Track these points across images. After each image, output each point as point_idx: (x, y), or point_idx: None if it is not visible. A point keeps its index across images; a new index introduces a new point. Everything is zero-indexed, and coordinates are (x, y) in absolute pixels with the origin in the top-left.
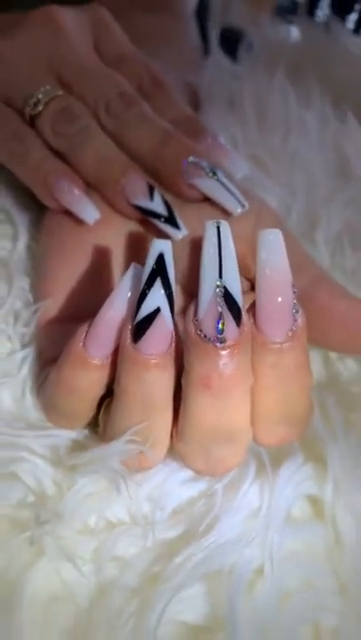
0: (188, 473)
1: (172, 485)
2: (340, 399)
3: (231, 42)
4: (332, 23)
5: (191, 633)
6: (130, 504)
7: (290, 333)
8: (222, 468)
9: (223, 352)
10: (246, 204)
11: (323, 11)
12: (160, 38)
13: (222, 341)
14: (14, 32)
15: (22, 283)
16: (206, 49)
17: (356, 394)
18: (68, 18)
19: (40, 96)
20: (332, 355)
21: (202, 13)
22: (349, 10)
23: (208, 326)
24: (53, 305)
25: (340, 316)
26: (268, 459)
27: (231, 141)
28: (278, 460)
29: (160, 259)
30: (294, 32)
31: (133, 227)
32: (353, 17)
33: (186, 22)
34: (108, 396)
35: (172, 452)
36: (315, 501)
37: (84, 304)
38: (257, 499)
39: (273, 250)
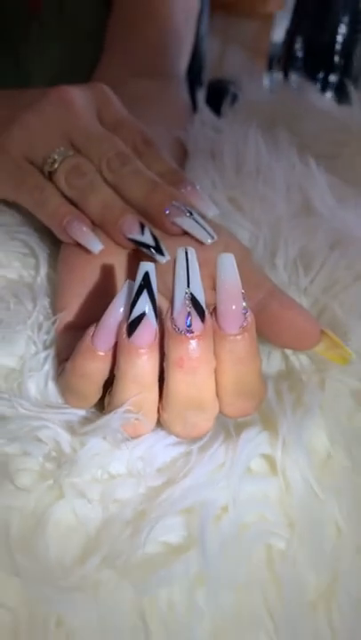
0: (171, 439)
1: (158, 448)
2: (291, 385)
3: (219, 94)
4: (302, 83)
5: (171, 550)
6: (127, 461)
7: (241, 328)
8: (196, 432)
9: (191, 340)
10: (215, 236)
11: (295, 72)
12: (155, 101)
13: (191, 332)
14: (35, 106)
15: (44, 301)
16: (195, 106)
17: (304, 381)
18: (76, 94)
19: (56, 156)
20: (288, 351)
21: (193, 73)
22: (317, 72)
23: (180, 322)
24: (67, 316)
25: (289, 321)
26: (233, 428)
27: (211, 185)
28: (241, 429)
29: (146, 276)
30: (277, 82)
31: (129, 255)
32: (320, 76)
33: (177, 86)
34: (111, 383)
35: (159, 422)
36: (269, 459)
37: (91, 315)
38: (223, 456)
39: (227, 269)
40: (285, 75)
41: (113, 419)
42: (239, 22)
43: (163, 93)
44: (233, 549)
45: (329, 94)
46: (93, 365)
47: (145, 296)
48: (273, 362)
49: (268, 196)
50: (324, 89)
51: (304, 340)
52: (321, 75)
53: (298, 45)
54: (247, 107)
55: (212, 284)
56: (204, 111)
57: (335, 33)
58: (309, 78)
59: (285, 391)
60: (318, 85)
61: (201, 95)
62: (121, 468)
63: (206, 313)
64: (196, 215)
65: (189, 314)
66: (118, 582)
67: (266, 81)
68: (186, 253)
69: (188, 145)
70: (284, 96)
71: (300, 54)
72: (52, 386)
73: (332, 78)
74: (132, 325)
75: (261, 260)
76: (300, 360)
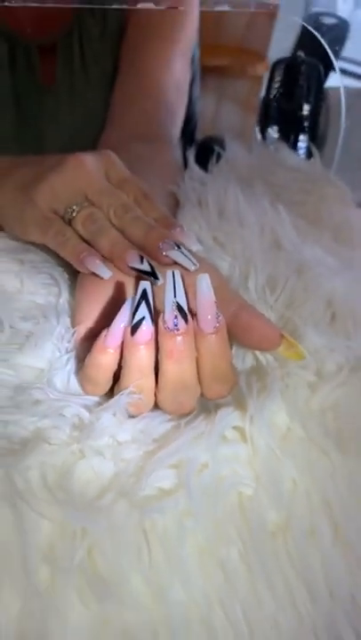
0: (165, 417)
1: (155, 423)
2: (259, 377)
3: (206, 151)
4: (276, 143)
5: (164, 493)
6: (131, 432)
7: (215, 328)
8: (183, 409)
9: (178, 337)
10: (198, 264)
11: (272, 134)
12: (151, 162)
13: (177, 330)
14: (57, 169)
15: (65, 319)
16: (186, 163)
17: (269, 374)
18: (89, 159)
19: (74, 207)
20: (257, 353)
21: (187, 132)
22: (289, 134)
23: (169, 323)
24: (83, 329)
25: (257, 328)
26: (213, 408)
27: (198, 227)
28: (218, 408)
29: (144, 291)
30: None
31: (131, 279)
32: (292, 137)
33: (169, 148)
34: (118, 376)
35: (156, 405)
36: (240, 430)
37: (102, 327)
38: (204, 427)
39: (203, 285)
40: (262, 133)
41: (120, 399)
42: (232, 83)
43: (157, 155)
44: (212, 493)
45: (300, 152)
46: (105, 359)
47: (144, 305)
48: (246, 361)
49: (244, 235)
50: (294, 147)
51: (268, 343)
52: (292, 136)
53: (273, 110)
54: (229, 163)
55: (194, 300)
56: (193, 168)
57: (302, 102)
58: (283, 138)
59: (254, 382)
60: (291, 144)
61: (191, 155)
62: (127, 437)
63: (189, 316)
64: (183, 249)
65: (176, 317)
66: (127, 510)
67: (257, 134)
68: (173, 274)
69: (180, 197)
70: (261, 153)
71: (275, 117)
72: (73, 381)
73: (302, 138)
74: (135, 327)
75: (237, 284)
76: (266, 359)
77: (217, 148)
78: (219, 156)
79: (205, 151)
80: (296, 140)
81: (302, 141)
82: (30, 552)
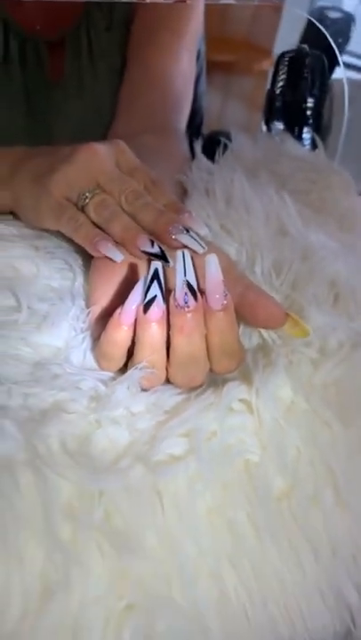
0: (176, 390)
1: (166, 396)
2: (265, 354)
3: (213, 144)
4: (282, 134)
5: (175, 459)
6: (144, 404)
7: (222, 306)
8: (193, 383)
9: (188, 313)
10: (206, 247)
11: (277, 124)
12: (159, 152)
13: (188, 307)
14: (70, 158)
15: (80, 301)
16: (193, 155)
17: (274, 351)
18: (101, 148)
19: (87, 194)
20: (263, 332)
21: (193, 127)
22: (293, 125)
23: (180, 300)
24: (98, 309)
25: (262, 307)
26: (221, 382)
27: (206, 216)
28: (226, 382)
29: (156, 271)
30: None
31: (142, 262)
32: (296, 129)
33: (177, 139)
34: (132, 353)
35: (167, 380)
36: (247, 403)
37: (115, 306)
38: (212, 399)
39: (211, 264)
40: (267, 126)
41: (134, 373)
42: (237, 79)
43: (165, 146)
44: (220, 459)
45: (304, 142)
46: (120, 335)
47: (155, 285)
48: (252, 339)
49: (250, 222)
50: (299, 138)
51: (274, 321)
52: (297, 126)
53: (278, 103)
54: (235, 154)
55: (203, 280)
56: (201, 159)
57: (306, 94)
58: (287, 129)
59: (260, 358)
60: (295, 135)
61: (198, 146)
62: (140, 408)
63: (198, 295)
64: (191, 233)
65: (186, 294)
66: (142, 473)
67: (262, 127)
68: (183, 254)
69: (188, 186)
70: (266, 144)
71: (279, 108)
72: (88, 358)
73: (306, 130)
74: (147, 305)
75: (244, 269)
76: (272, 338)
77: (223, 139)
78: (225, 148)
79: (212, 144)
80: (301, 132)
81: (307, 132)
82: (52, 511)
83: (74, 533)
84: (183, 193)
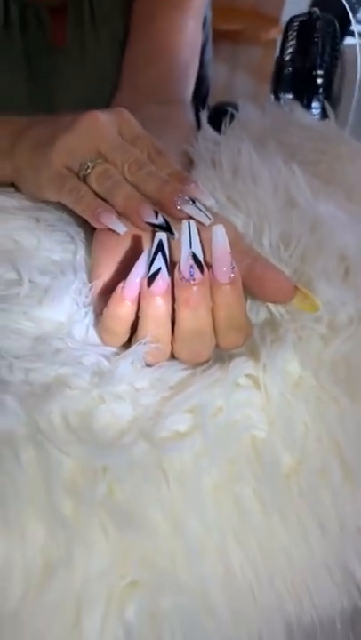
0: (181, 366)
1: (171, 371)
2: (272, 329)
3: (220, 115)
4: (290, 103)
5: (180, 435)
6: (148, 379)
7: (229, 279)
8: (199, 358)
9: (194, 286)
10: (212, 218)
11: (285, 94)
12: (165, 122)
13: (193, 280)
14: (72, 127)
15: (82, 274)
16: (199, 125)
17: (282, 326)
18: (103, 117)
19: (89, 164)
20: (271, 307)
21: (199, 97)
22: (303, 94)
23: (185, 273)
24: (101, 283)
25: (270, 280)
26: (227, 358)
27: (213, 187)
28: (233, 357)
29: (160, 242)
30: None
31: (146, 234)
32: (306, 97)
33: (183, 109)
34: (136, 328)
35: (172, 356)
36: (253, 378)
37: (119, 281)
38: (218, 374)
39: (218, 235)
40: (276, 94)
41: (138, 348)
42: (245, 49)
43: (171, 116)
44: (226, 435)
45: (314, 112)
46: (123, 310)
47: (160, 257)
48: (260, 314)
49: (258, 194)
50: (309, 107)
51: (282, 294)
52: (306, 95)
53: (287, 69)
54: (242, 123)
55: (209, 253)
56: (207, 129)
57: (316, 61)
58: (297, 98)
59: (268, 334)
60: (304, 104)
61: (204, 116)
62: (144, 384)
63: (204, 266)
64: (197, 203)
65: (192, 267)
66: (146, 449)
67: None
68: (189, 225)
69: (194, 157)
70: (274, 113)
71: (289, 77)
72: (91, 332)
73: (316, 98)
74: (151, 278)
75: (251, 241)
76: (280, 312)
77: (230, 109)
78: (232, 118)
79: (218, 116)
80: (310, 100)
81: (316, 101)
82: (54, 487)
83: (76, 509)
84: (189, 163)
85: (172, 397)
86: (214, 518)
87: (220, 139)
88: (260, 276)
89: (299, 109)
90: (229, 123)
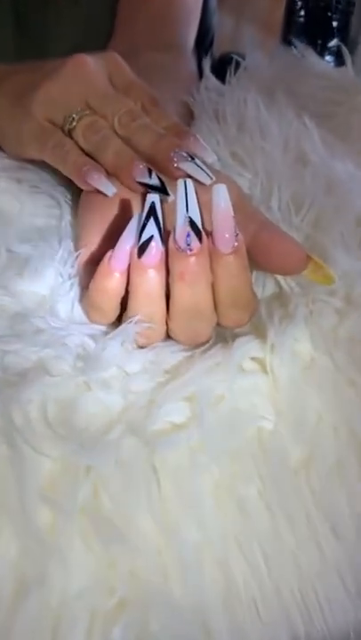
0: (177, 346)
1: (166, 353)
2: (281, 304)
3: (226, 63)
4: (302, 48)
5: (176, 427)
6: (140, 362)
7: (233, 248)
8: (198, 339)
9: (191, 257)
10: (214, 177)
11: (296, 39)
12: (163, 70)
13: (190, 250)
14: (55, 73)
15: (68, 242)
16: (201, 74)
17: (292, 301)
18: (91, 61)
19: (74, 115)
20: (280, 279)
21: (203, 47)
22: (316, 38)
23: (181, 241)
24: (88, 251)
25: (279, 248)
26: (230, 337)
27: (216, 142)
28: (236, 337)
29: (152, 206)
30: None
31: (138, 198)
32: (320, 42)
33: (184, 56)
34: (127, 300)
35: (168, 336)
36: (260, 361)
37: (108, 249)
38: (220, 357)
39: (220, 196)
40: (286, 40)
41: (128, 327)
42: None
43: (170, 63)
44: (228, 427)
45: (328, 58)
46: (111, 283)
47: (152, 222)
48: (267, 287)
49: (266, 150)
50: (322, 54)
51: (292, 265)
52: (320, 40)
53: (298, 12)
54: (249, 72)
55: (209, 218)
56: (210, 78)
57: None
58: (309, 44)
59: (276, 309)
60: (318, 50)
61: (207, 64)
62: (136, 367)
63: (203, 234)
64: (197, 160)
65: (189, 235)
66: (136, 445)
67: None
68: (185, 184)
69: (194, 108)
70: (284, 60)
71: (300, 20)
72: (77, 308)
73: (331, 43)
74: (142, 247)
75: (258, 204)
76: (290, 285)
77: (235, 57)
78: (237, 66)
79: (223, 67)
80: (325, 45)
81: (332, 45)
82: (30, 492)
83: (54, 519)
84: (189, 116)
85: (167, 383)
86: (213, 524)
87: (224, 89)
88: (267, 244)
89: (312, 55)
90: (235, 71)
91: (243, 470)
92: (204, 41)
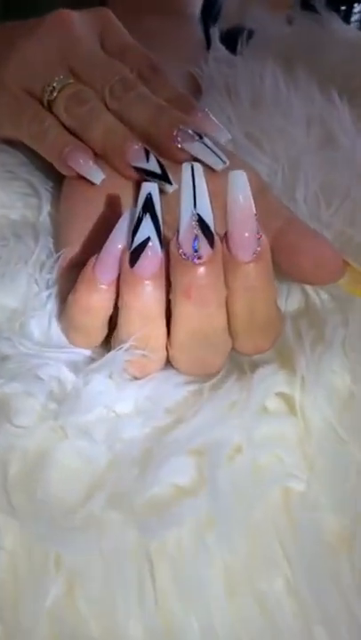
0: (181, 378)
1: (167, 387)
2: (311, 323)
3: (235, 37)
4: (324, 14)
5: (180, 492)
6: (134, 400)
7: (254, 255)
8: (207, 370)
9: (200, 267)
10: (227, 161)
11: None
12: (166, 36)
13: (198, 258)
14: (32, 34)
15: (46, 240)
16: (209, 44)
17: (323, 318)
18: (76, 19)
19: (55, 84)
20: (308, 288)
21: (206, 14)
22: (340, 2)
23: (187, 247)
24: (71, 253)
25: (309, 251)
26: (248, 367)
27: (227, 121)
28: (257, 367)
29: (148, 198)
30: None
31: (133, 187)
32: (343, 7)
33: (190, 22)
34: (116, 318)
35: (169, 361)
36: (287, 398)
37: (95, 250)
38: (236, 394)
39: (238, 187)
40: (306, 5)
41: (118, 355)
42: None
43: (175, 30)
44: (246, 491)
45: (354, 23)
46: (96, 298)
47: (148, 220)
48: (292, 299)
49: (286, 130)
50: (347, 19)
51: (326, 273)
52: (344, 5)
53: None
54: (264, 41)
55: (223, 215)
56: (219, 48)
57: None
58: (332, 7)
59: (305, 329)
60: (342, 16)
61: (215, 33)
62: (128, 407)
63: (215, 237)
64: (206, 140)
65: (197, 237)
66: (124, 523)
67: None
68: (192, 170)
69: (203, 82)
70: (304, 27)
71: None
72: (55, 326)
73: (357, 8)
74: (135, 253)
75: (280, 195)
76: (320, 297)
77: (248, 27)
78: (250, 35)
79: (232, 41)
80: (350, 9)
81: (358, 11)
82: None
83: (10, 626)
84: (196, 90)
85: (168, 430)
86: (226, 627)
87: (235, 60)
88: (295, 246)
89: (336, 21)
90: (248, 42)
91: (265, 552)
92: (209, 14)
